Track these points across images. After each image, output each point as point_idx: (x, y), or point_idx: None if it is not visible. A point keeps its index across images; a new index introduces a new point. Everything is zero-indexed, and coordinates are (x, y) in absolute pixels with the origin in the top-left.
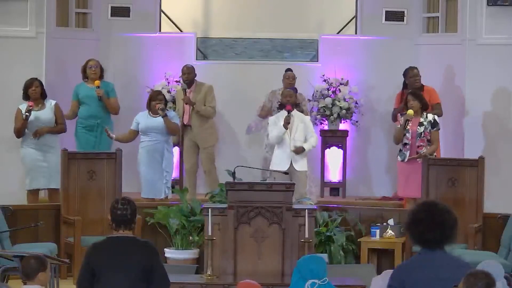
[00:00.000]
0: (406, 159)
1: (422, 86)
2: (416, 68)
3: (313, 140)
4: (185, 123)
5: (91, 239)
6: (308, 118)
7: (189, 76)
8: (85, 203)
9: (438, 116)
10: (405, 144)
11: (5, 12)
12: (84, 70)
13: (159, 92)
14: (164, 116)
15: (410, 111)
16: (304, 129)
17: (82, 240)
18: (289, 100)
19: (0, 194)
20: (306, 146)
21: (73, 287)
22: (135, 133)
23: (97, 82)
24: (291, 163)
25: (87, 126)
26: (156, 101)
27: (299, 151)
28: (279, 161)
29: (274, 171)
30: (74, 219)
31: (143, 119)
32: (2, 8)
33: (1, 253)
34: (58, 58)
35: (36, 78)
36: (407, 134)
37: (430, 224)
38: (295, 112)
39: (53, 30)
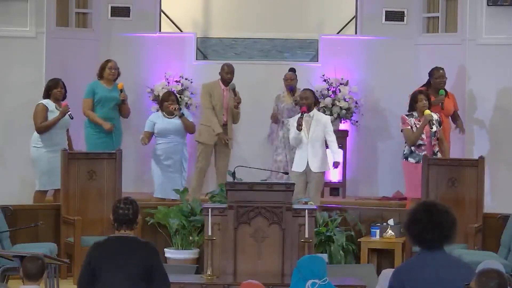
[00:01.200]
0: (421, 161)
1: (445, 89)
2: (442, 69)
3: (335, 147)
4: (224, 120)
5: (91, 239)
6: (327, 118)
7: (232, 76)
8: (85, 203)
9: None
10: (420, 145)
11: (5, 12)
12: (102, 70)
13: (170, 93)
14: (181, 116)
15: (428, 111)
16: (323, 130)
17: (82, 240)
18: (304, 103)
19: (0, 194)
20: (338, 158)
21: (73, 287)
22: (152, 134)
23: (121, 85)
24: (307, 164)
25: (102, 128)
26: (169, 102)
27: (337, 165)
28: (298, 162)
29: (274, 171)
30: (74, 219)
31: (159, 120)
32: (2, 8)
33: (1, 253)
34: (58, 58)
35: (60, 79)
36: (422, 135)
37: (428, 225)
38: (314, 113)
39: (53, 30)
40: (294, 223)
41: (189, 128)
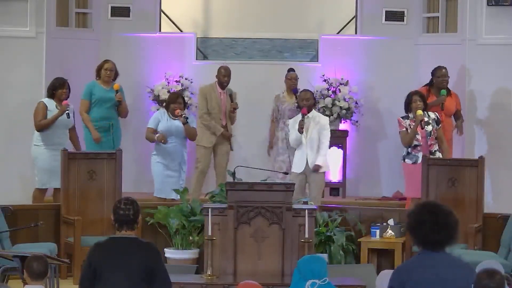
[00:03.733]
0: (419, 161)
1: (448, 88)
2: (444, 68)
3: (323, 151)
4: (223, 123)
5: (91, 239)
6: (326, 119)
7: (229, 79)
8: (85, 203)
9: (462, 122)
10: (416, 146)
11: (5, 12)
12: (99, 70)
13: (178, 95)
14: (185, 123)
15: (420, 112)
16: (320, 131)
17: (82, 240)
18: (305, 104)
19: (0, 194)
20: (320, 161)
21: (73, 287)
22: (156, 131)
23: (116, 86)
24: (307, 164)
25: (101, 128)
26: (176, 104)
27: (317, 169)
28: (298, 162)
29: (274, 171)
30: (74, 219)
31: (163, 120)
32: (2, 8)
33: (1, 253)
34: (58, 58)
35: (66, 80)
36: (417, 136)
37: (435, 226)
38: (313, 113)
39: (53, 30)
40: (294, 223)
41: (191, 136)
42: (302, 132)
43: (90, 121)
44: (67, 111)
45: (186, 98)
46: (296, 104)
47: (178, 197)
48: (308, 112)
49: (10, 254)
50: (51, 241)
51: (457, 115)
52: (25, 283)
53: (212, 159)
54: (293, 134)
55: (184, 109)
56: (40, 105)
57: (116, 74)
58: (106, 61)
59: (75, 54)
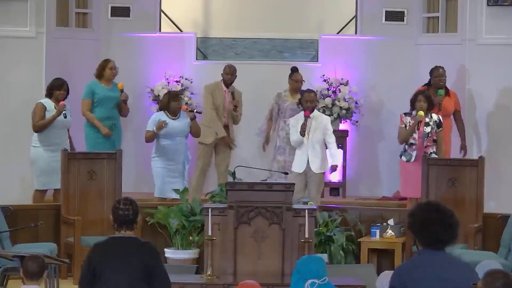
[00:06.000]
0: (412, 159)
1: (447, 88)
2: (442, 67)
3: (334, 150)
4: (225, 122)
5: (91, 239)
6: (327, 118)
7: (233, 77)
8: (85, 203)
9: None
10: (411, 144)
11: (5, 12)
12: (101, 69)
13: (177, 93)
14: (194, 118)
15: (421, 113)
16: (323, 131)
17: (82, 240)
18: (308, 106)
19: (0, 194)
20: (336, 160)
21: (73, 287)
22: (155, 134)
23: (121, 85)
24: (308, 164)
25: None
26: (177, 102)
27: (335, 169)
28: (298, 162)
29: (274, 171)
30: (74, 219)
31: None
32: (2, 8)
33: (1, 253)
34: (58, 58)
35: (65, 81)
36: (414, 135)
37: (442, 226)
38: (314, 113)
39: (53, 30)
40: (294, 223)
41: (196, 132)
42: (304, 135)
43: (95, 118)
44: (64, 111)
45: (186, 98)
46: (297, 101)
47: (178, 196)
48: (311, 113)
49: (10, 254)
50: (51, 241)
51: (457, 116)
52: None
53: (214, 158)
54: (295, 135)
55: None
56: (39, 106)
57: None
58: (108, 60)
59: (75, 54)
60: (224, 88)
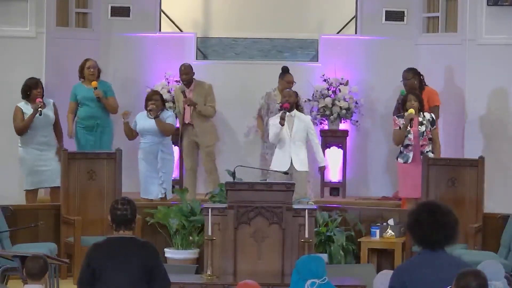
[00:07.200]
0: (409, 161)
1: (424, 86)
2: (407, 70)
3: (319, 150)
4: (186, 122)
5: (91, 239)
6: (308, 117)
7: (187, 76)
8: (85, 203)
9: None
10: (407, 145)
11: (5, 12)
12: (81, 70)
13: (155, 92)
14: (156, 117)
15: (412, 110)
16: (305, 129)
17: (82, 240)
18: (288, 100)
19: (0, 194)
20: (320, 159)
21: (73, 287)
22: (136, 133)
23: (94, 83)
24: (291, 163)
25: (87, 127)
26: (152, 101)
27: (323, 170)
28: (279, 161)
29: (275, 171)
30: (74, 219)
31: (141, 120)
32: (2, 8)
33: (1, 253)
34: (58, 58)
35: (39, 79)
36: (409, 135)
37: (433, 225)
38: (295, 112)
39: (53, 30)
40: (294, 223)
41: (163, 131)
42: (284, 124)
43: (71, 120)
44: (39, 109)
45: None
46: (279, 104)
47: (159, 196)
48: (291, 110)
49: (10, 254)
50: (51, 241)
51: (434, 111)
52: (25, 282)
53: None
54: (273, 129)
55: (164, 105)
56: (16, 109)
57: (99, 71)
58: (87, 60)
59: (75, 54)
60: (185, 88)
